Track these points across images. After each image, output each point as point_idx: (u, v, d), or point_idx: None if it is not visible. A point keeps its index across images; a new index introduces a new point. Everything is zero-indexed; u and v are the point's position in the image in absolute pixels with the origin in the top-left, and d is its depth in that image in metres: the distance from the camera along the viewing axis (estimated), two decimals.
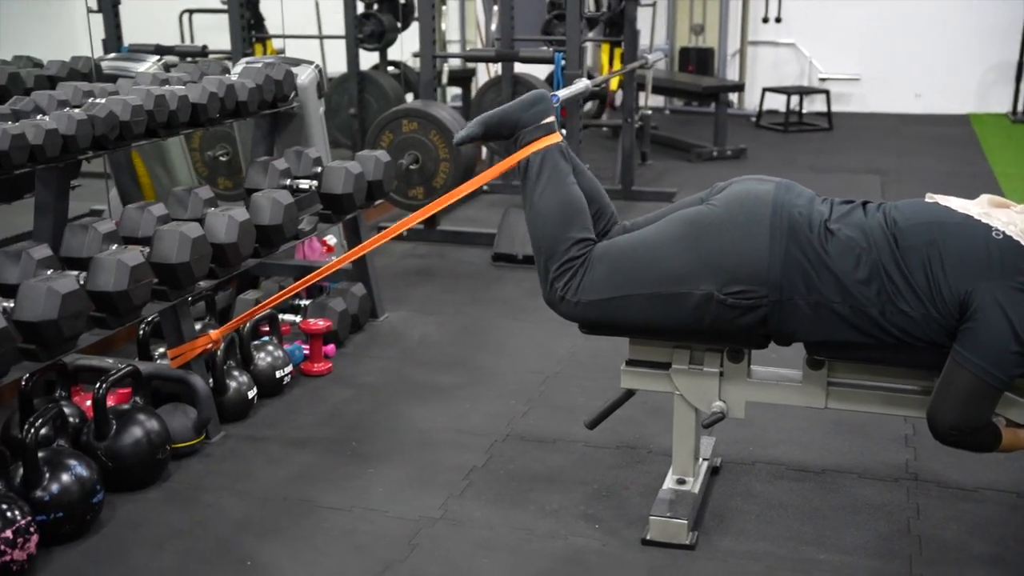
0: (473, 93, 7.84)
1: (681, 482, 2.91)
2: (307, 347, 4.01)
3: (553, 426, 3.46)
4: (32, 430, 2.73)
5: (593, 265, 2.69)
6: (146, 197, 4.84)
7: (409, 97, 7.49)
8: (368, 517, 2.92)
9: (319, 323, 3.94)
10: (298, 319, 4.22)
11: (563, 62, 5.37)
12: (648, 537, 2.77)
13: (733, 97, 10.58)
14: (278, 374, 3.72)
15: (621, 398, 3.00)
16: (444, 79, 7.92)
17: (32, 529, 2.61)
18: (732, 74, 10.68)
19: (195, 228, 3.15)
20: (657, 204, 6.40)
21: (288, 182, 4.05)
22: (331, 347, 4.11)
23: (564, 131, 2.81)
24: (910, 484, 3.06)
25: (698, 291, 2.58)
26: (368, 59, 7.84)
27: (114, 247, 3.18)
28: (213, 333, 3.36)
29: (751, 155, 8.32)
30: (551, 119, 2.81)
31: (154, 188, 4.88)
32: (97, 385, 3.02)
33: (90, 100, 3.44)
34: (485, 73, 8.63)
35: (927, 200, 2.61)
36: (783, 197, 2.60)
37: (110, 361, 3.38)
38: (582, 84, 5.19)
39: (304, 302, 4.39)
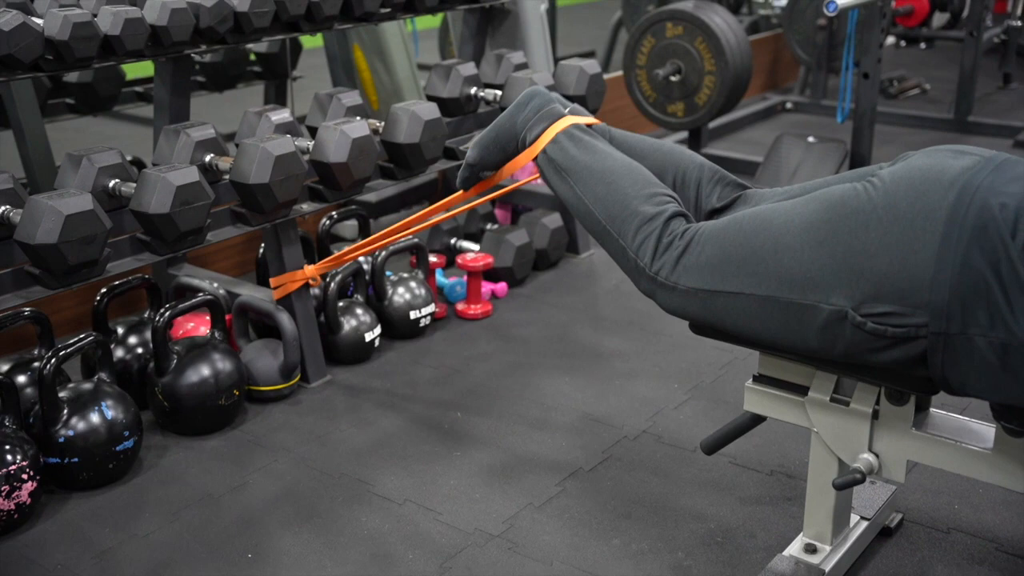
0: None
1: (811, 550, 2.11)
2: None
3: (704, 427, 2.70)
4: (52, 360, 2.43)
5: (700, 243, 1.91)
6: (367, 93, 4.47)
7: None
8: (415, 518, 2.37)
9: (477, 259, 3.38)
10: (476, 250, 3.69)
11: None
12: None
13: None
14: (413, 315, 3.21)
15: (747, 422, 2.21)
16: None
17: (26, 476, 2.31)
18: None
19: (284, 144, 2.67)
20: (997, 142, 5.18)
21: (472, 90, 3.49)
22: (501, 286, 3.55)
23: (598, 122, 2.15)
24: None
25: (827, 305, 1.74)
26: None
27: (208, 157, 2.80)
28: (308, 269, 2.91)
29: None
30: (552, 106, 2.14)
31: (374, 84, 4.49)
32: (159, 312, 2.67)
33: None
34: None
35: None
36: (980, 180, 1.66)
37: (214, 284, 3.03)
38: None
39: (493, 226, 3.84)
